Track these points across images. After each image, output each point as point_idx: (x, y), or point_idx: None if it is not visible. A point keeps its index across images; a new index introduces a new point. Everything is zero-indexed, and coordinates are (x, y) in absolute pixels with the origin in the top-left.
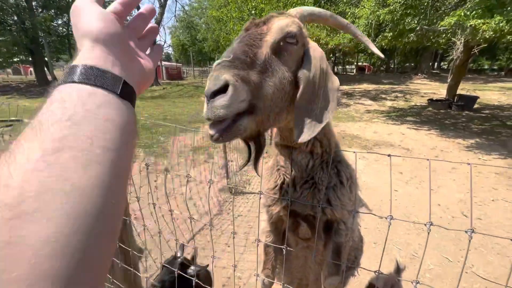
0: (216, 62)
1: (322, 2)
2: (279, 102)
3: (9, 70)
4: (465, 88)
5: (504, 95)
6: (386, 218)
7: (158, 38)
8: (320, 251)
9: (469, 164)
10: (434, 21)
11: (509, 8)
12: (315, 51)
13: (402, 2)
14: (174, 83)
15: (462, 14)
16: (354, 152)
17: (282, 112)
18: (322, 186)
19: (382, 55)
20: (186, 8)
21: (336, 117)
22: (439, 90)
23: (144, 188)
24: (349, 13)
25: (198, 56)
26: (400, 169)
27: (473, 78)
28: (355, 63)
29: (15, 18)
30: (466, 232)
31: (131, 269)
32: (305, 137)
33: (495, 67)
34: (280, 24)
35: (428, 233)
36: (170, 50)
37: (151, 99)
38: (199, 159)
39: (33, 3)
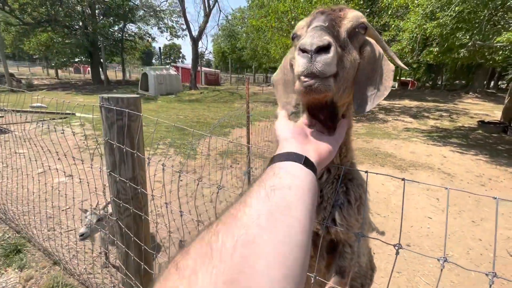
0: (314, 24)
1: (365, 14)
2: (349, 78)
3: (71, 69)
4: None
5: None
6: (394, 246)
7: (200, 44)
8: (322, 272)
9: (495, 198)
10: (490, 36)
11: None
12: (372, 40)
13: (454, 15)
14: (211, 88)
15: None
16: (366, 172)
17: (348, 89)
18: (328, 203)
19: (405, 67)
20: (229, 17)
21: (371, 132)
22: (493, 112)
23: (173, 186)
24: (393, 25)
25: (236, 64)
26: (438, 195)
27: None
28: (398, 78)
29: (80, 23)
30: (486, 275)
31: (142, 263)
32: (367, 107)
33: None
34: (356, 14)
35: (441, 270)
36: (211, 57)
37: (188, 102)
38: (225, 163)
39: (96, 11)
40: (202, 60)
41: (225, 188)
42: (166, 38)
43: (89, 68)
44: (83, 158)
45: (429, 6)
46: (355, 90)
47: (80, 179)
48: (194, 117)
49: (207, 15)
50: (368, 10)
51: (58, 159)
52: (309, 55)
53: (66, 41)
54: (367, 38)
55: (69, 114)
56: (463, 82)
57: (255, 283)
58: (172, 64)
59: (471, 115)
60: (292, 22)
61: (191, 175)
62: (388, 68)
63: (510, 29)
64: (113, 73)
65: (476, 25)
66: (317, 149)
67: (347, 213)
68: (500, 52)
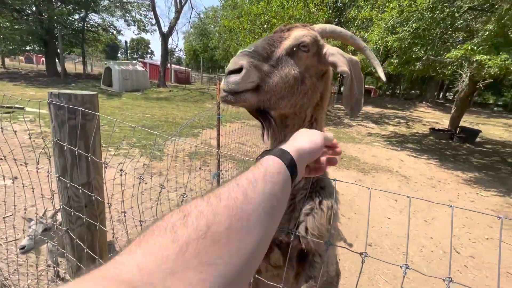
0: (240, 50)
1: (333, 24)
2: (281, 90)
3: (21, 58)
4: (468, 121)
5: (507, 132)
6: (360, 254)
7: (170, 41)
8: (290, 282)
9: (450, 206)
10: (441, 52)
11: None
12: (334, 55)
13: (411, 31)
14: (181, 86)
15: (469, 48)
16: (334, 180)
17: (283, 99)
18: (301, 211)
19: (384, 78)
20: (202, 16)
21: (337, 137)
22: (442, 120)
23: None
24: (358, 36)
25: (208, 63)
26: (396, 196)
27: (477, 112)
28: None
29: (33, 8)
30: (444, 280)
31: None
32: (355, 113)
33: (500, 103)
34: (297, 34)
35: (404, 276)
36: (181, 54)
37: (156, 101)
38: (194, 165)
39: None
40: (172, 57)
41: (193, 191)
42: (134, 32)
43: (43, 58)
44: (28, 159)
45: (390, 21)
46: (344, 101)
47: (23, 183)
48: (162, 116)
49: (178, 11)
50: (336, 20)
51: (0, 159)
52: (226, 75)
53: (16, 26)
54: (327, 50)
55: (18, 108)
56: (418, 92)
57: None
58: (139, 59)
59: (424, 122)
60: (265, 26)
61: (157, 177)
62: (361, 78)
63: (457, 46)
64: (72, 66)
65: (430, 42)
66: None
67: (319, 222)
68: (449, 67)
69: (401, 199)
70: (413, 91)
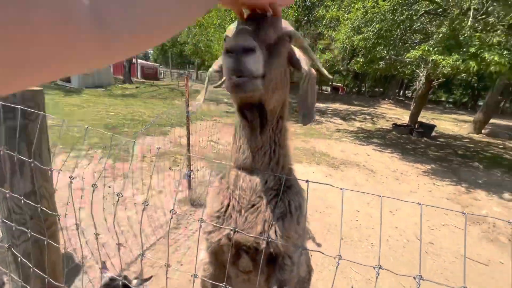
0: (240, 27)
1: (303, 22)
2: (277, 80)
3: None
4: (425, 116)
5: (456, 126)
6: (334, 258)
7: None
8: (261, 286)
9: (419, 204)
10: (402, 52)
11: (464, 49)
12: (301, 55)
13: (375, 31)
14: (148, 83)
15: (426, 49)
16: (307, 181)
17: (277, 91)
18: (269, 213)
19: (330, 76)
20: None
21: (308, 133)
22: (403, 116)
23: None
24: (326, 35)
25: (178, 59)
26: (363, 189)
27: (432, 108)
28: (330, 83)
29: None
30: (414, 278)
31: None
32: (307, 121)
33: (451, 100)
34: (284, 23)
35: (377, 277)
36: (149, 49)
37: (121, 97)
38: (163, 165)
39: None
40: None
41: (162, 193)
42: None
43: None
44: None
45: (356, 21)
46: (299, 105)
47: None
48: (127, 114)
49: None
50: (305, 19)
51: None
52: (236, 55)
53: None
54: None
55: None
56: (381, 89)
57: None
58: None
59: (387, 118)
60: (236, 21)
61: (121, 181)
62: (314, 83)
63: (416, 47)
64: None
65: (391, 42)
66: None
67: (288, 225)
68: (409, 66)
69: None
70: (376, 89)
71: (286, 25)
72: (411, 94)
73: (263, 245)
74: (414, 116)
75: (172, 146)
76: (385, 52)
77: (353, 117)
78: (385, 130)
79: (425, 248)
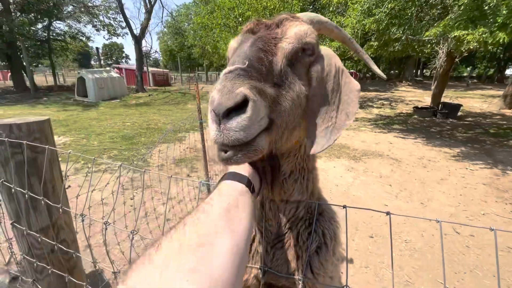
0: (227, 69)
1: (309, 10)
2: (295, 118)
3: None
4: (447, 96)
5: (485, 103)
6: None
7: (144, 43)
8: None
9: (438, 221)
10: (419, 31)
11: (491, 19)
12: (326, 49)
13: (387, 12)
14: (160, 89)
15: (447, 24)
16: (344, 207)
17: (295, 129)
18: (303, 248)
19: (384, 76)
20: (174, 14)
21: None
22: (424, 98)
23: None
24: (335, 22)
25: (187, 62)
26: (389, 181)
27: (454, 86)
28: None
29: None
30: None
31: None
32: (318, 148)
33: (474, 75)
34: (299, 31)
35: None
36: (158, 56)
37: (136, 107)
38: (182, 172)
39: (11, 7)
40: (148, 60)
41: (183, 202)
42: (104, 37)
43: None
44: None
45: (366, 3)
46: (307, 122)
47: None
48: (143, 123)
49: (148, 12)
50: (311, 7)
51: None
52: (219, 119)
53: None
54: (320, 51)
55: None
56: (396, 71)
57: (212, 271)
58: (114, 65)
59: (406, 102)
60: (240, 19)
61: (141, 191)
62: (350, 88)
63: (435, 24)
64: (43, 78)
65: (406, 21)
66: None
67: (324, 259)
68: (428, 45)
69: (395, 184)
70: (392, 71)
71: (302, 31)
72: (429, 72)
73: (299, 286)
74: (436, 97)
75: (189, 152)
76: (400, 32)
77: (370, 103)
78: (405, 114)
79: (466, 241)
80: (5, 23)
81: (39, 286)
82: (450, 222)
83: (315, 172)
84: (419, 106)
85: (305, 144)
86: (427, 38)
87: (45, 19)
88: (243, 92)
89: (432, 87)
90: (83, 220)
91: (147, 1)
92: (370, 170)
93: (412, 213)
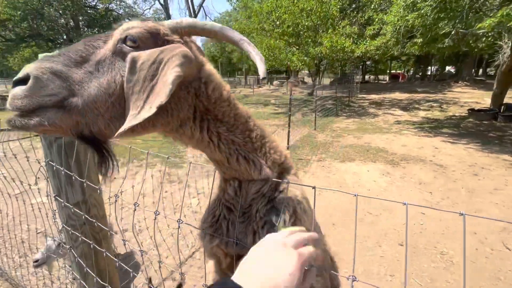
0: (41, 55)
1: (349, 10)
2: (105, 105)
3: None
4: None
5: None
6: (347, 278)
7: None
8: None
9: (462, 214)
10: (473, 24)
11: None
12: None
13: (434, 5)
14: None
15: (505, 14)
16: (314, 187)
17: (116, 120)
18: (259, 223)
19: (264, 75)
20: (216, 21)
21: (362, 128)
22: (483, 99)
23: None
24: (376, 19)
25: (228, 67)
26: (430, 188)
27: None
28: (388, 71)
29: (64, 36)
30: None
31: None
32: (120, 131)
33: None
34: (123, 26)
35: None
36: None
37: None
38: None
39: (80, 23)
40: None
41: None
42: None
43: None
44: (31, 179)
45: None
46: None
47: (31, 204)
48: None
49: None
50: (353, 6)
51: (38, 178)
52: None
53: None
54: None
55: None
56: (452, 71)
57: None
58: None
59: (461, 104)
60: (277, 22)
61: (175, 184)
62: (163, 81)
63: (491, 15)
64: None
65: (458, 13)
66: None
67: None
68: (484, 39)
69: (437, 192)
70: (446, 71)
71: (125, 27)
72: (494, 71)
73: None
74: (497, 97)
75: None
76: (450, 26)
77: (417, 106)
78: (458, 117)
79: (509, 257)
80: (76, 37)
81: (73, 252)
82: (473, 215)
83: (264, 150)
84: (476, 108)
85: (191, 127)
86: (481, 31)
87: (106, 32)
88: (27, 71)
89: (494, 87)
90: (116, 201)
91: (191, 12)
92: (409, 176)
93: (453, 224)
